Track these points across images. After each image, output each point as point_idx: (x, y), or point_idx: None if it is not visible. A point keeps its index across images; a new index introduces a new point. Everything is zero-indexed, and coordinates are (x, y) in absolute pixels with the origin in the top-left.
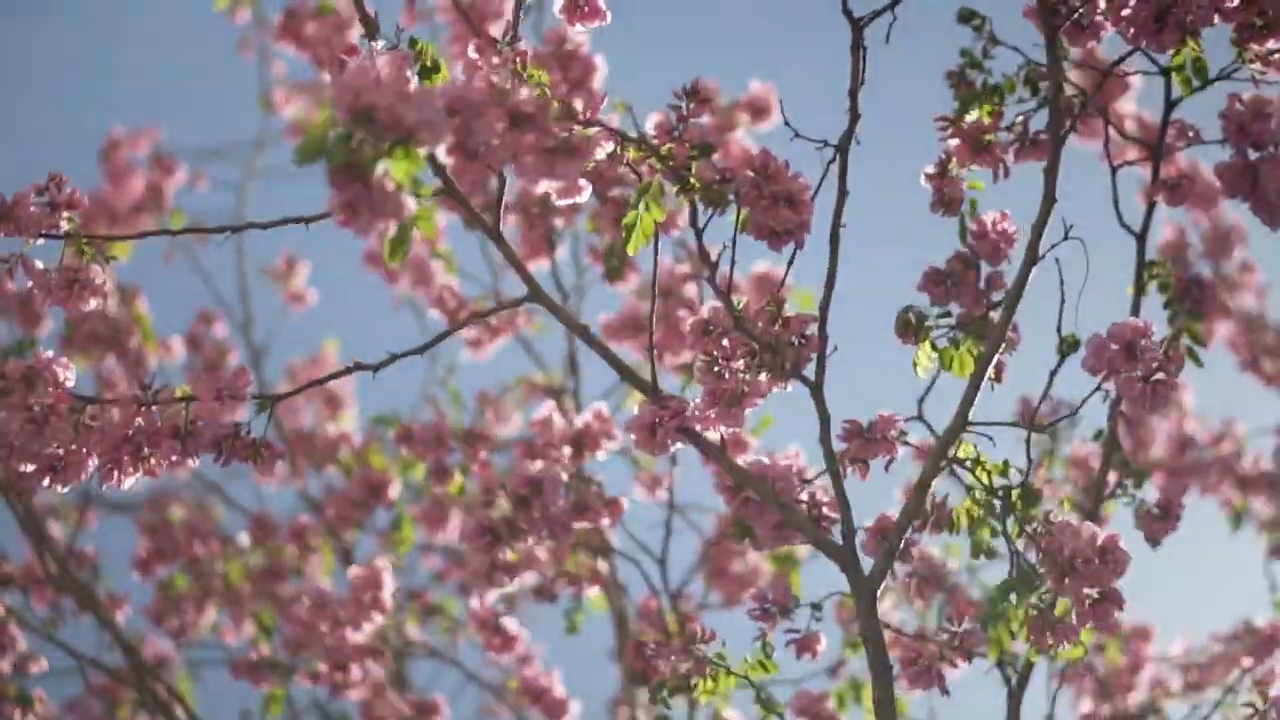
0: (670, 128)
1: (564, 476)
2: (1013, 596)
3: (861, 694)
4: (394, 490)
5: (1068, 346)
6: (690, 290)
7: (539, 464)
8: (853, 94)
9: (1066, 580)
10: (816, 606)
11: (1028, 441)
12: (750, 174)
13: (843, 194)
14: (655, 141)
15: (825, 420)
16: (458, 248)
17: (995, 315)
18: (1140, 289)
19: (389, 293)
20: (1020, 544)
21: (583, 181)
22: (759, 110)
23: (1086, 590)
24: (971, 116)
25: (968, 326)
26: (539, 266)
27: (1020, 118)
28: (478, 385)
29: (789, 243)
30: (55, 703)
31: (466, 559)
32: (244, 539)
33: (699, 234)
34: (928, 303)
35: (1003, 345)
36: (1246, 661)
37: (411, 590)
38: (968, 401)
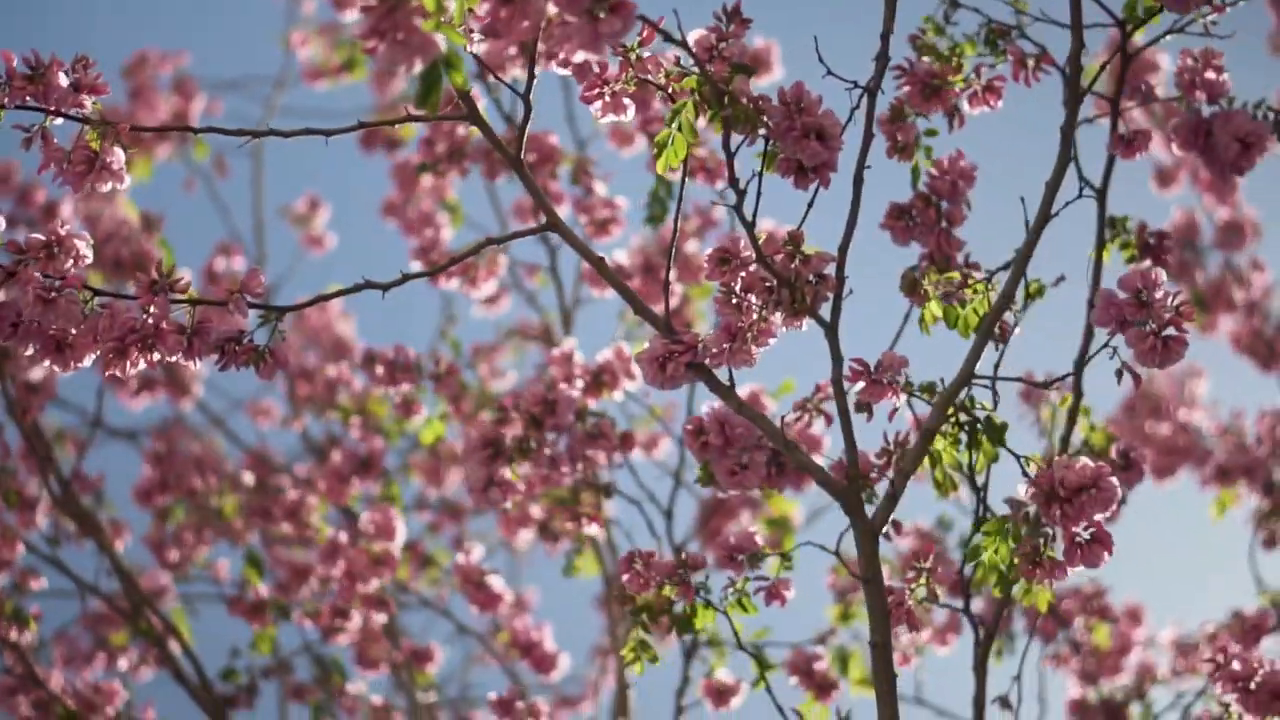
0: (710, 46)
1: (575, 399)
2: (1001, 535)
3: (850, 664)
4: (384, 458)
5: (1031, 293)
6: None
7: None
8: (884, 37)
9: (1056, 511)
10: (785, 556)
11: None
12: (783, 104)
13: (869, 136)
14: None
15: (838, 361)
16: (465, 200)
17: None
18: (1101, 246)
19: (405, 244)
20: (980, 480)
21: (626, 100)
22: (760, 65)
23: (1076, 530)
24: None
25: (938, 265)
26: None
27: (977, 67)
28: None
29: (815, 181)
30: (51, 623)
31: (462, 505)
32: (245, 476)
33: (730, 158)
34: (890, 239)
35: (1010, 303)
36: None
37: (407, 543)
38: (974, 354)
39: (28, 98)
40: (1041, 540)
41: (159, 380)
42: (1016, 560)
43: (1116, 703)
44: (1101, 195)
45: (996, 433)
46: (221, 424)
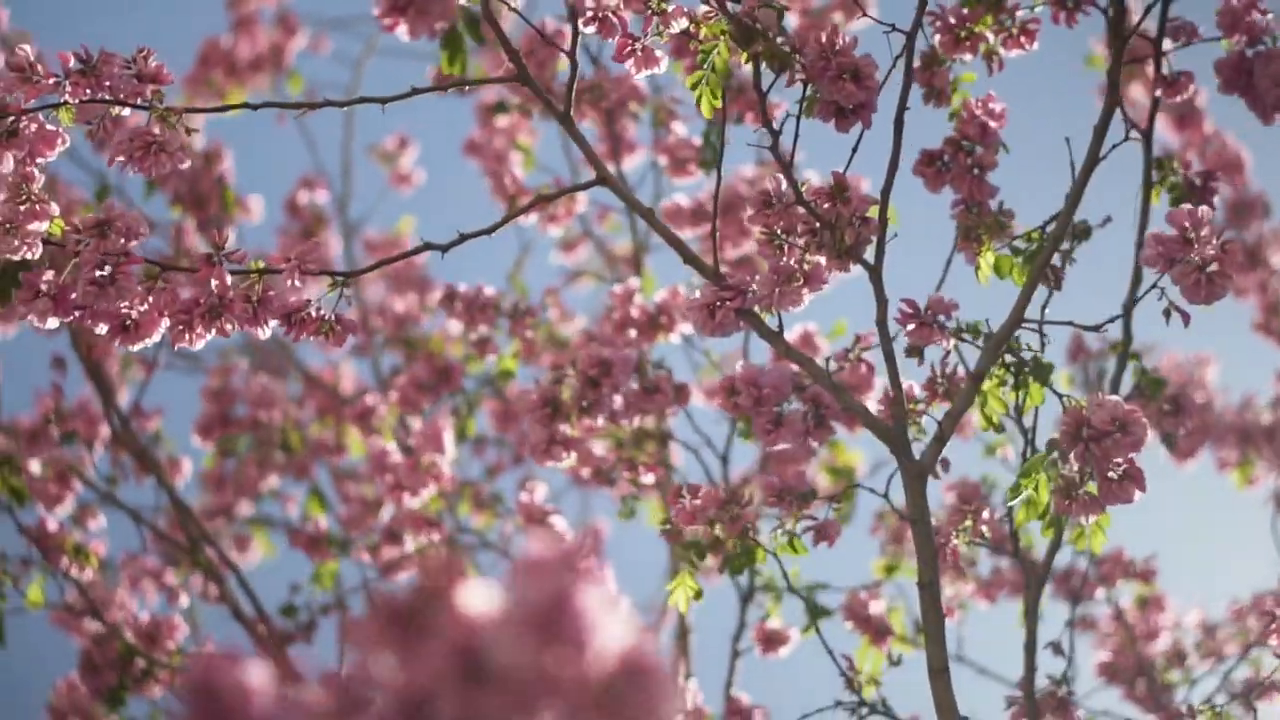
0: None
1: (633, 358)
2: (1039, 471)
3: (892, 617)
4: (462, 375)
5: (1078, 234)
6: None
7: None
8: None
9: (1085, 450)
10: (835, 498)
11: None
12: (817, 46)
13: (909, 79)
14: None
15: (883, 304)
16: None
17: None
18: (1149, 187)
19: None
20: (1028, 419)
21: (659, 52)
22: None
23: (1108, 468)
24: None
25: (974, 217)
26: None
27: (1013, 7)
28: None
29: (855, 123)
30: (111, 558)
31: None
32: (308, 409)
33: (762, 97)
34: (924, 186)
35: (1059, 245)
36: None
37: (467, 481)
38: (1024, 298)
39: (88, 91)
40: (1077, 477)
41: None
42: (1052, 497)
43: (1153, 668)
44: (1147, 137)
45: (1043, 373)
46: (289, 351)
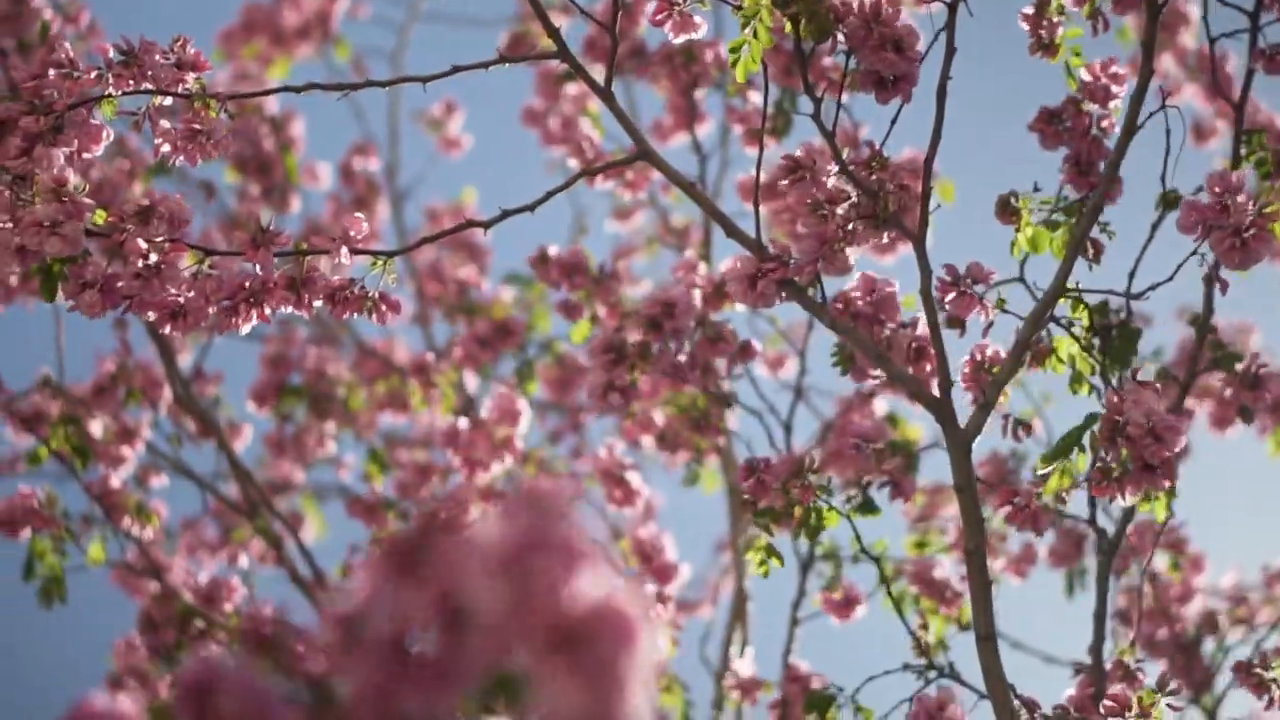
0: None
1: (696, 301)
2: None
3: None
4: (524, 333)
5: (1168, 202)
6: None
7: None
8: None
9: (1116, 443)
10: (911, 456)
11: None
12: (860, 15)
13: (951, 50)
14: None
15: (926, 274)
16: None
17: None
18: (1237, 160)
19: (542, 154)
20: (1115, 380)
21: (698, 18)
22: None
23: (1143, 461)
24: None
25: (1068, 207)
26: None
27: None
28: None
29: (896, 94)
30: (172, 521)
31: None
32: (363, 375)
33: (803, 62)
34: (1038, 143)
35: (1098, 216)
36: None
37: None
38: (1067, 266)
39: (131, 83)
40: (1112, 461)
41: None
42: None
43: (1188, 638)
44: (1239, 109)
45: (1130, 339)
46: (344, 322)
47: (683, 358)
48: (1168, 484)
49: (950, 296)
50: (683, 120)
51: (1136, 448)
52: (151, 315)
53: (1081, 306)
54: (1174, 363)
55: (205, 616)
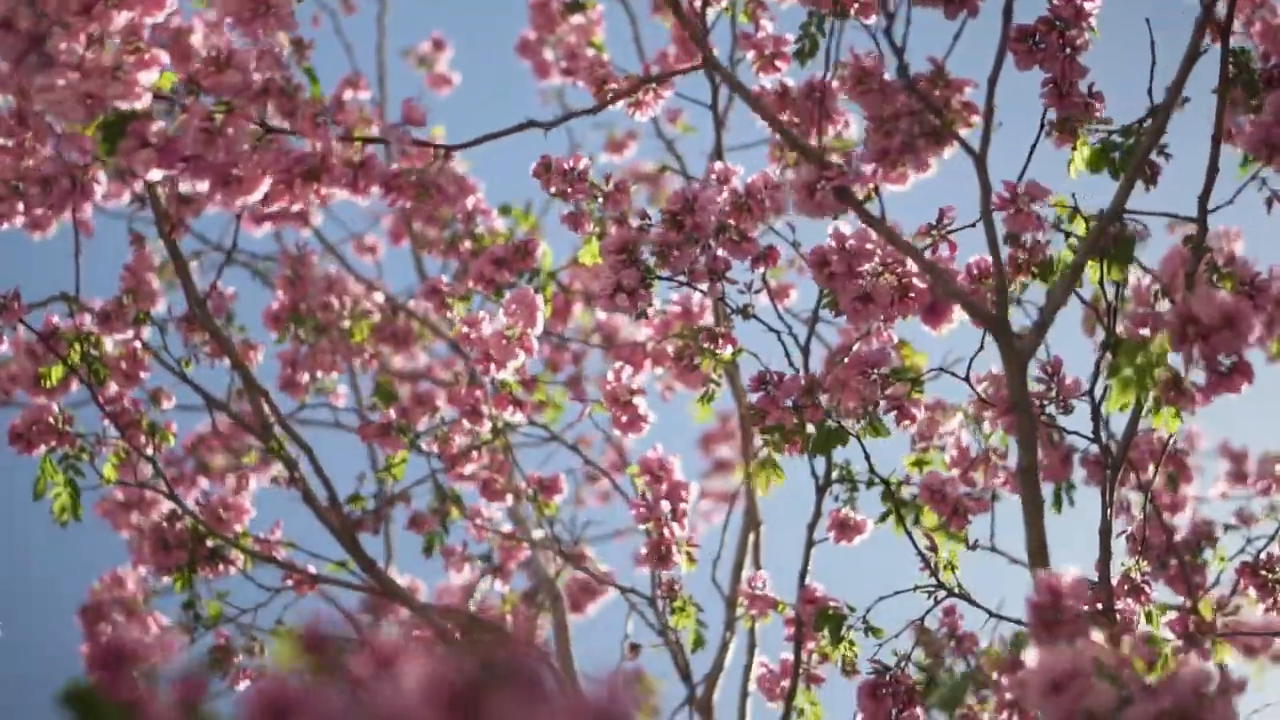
0: None
1: (718, 199)
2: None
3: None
4: (540, 252)
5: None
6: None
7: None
8: None
9: (1189, 343)
10: (916, 381)
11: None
12: None
13: None
14: None
15: (987, 191)
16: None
17: None
18: (1225, 81)
19: (535, 85)
20: (1113, 294)
21: None
22: None
23: (1215, 361)
24: None
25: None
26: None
27: None
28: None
29: (961, 8)
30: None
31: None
32: (375, 297)
33: None
34: (1015, 63)
35: (1158, 139)
36: None
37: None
38: (1124, 190)
39: None
40: (1183, 368)
41: (283, 212)
42: (1157, 387)
43: (1182, 544)
44: (1224, 33)
45: (1126, 248)
46: (340, 256)
47: (701, 262)
48: (1247, 383)
49: (1009, 213)
50: (690, 50)
51: (1211, 343)
52: (206, 180)
53: (1079, 217)
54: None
55: (217, 536)
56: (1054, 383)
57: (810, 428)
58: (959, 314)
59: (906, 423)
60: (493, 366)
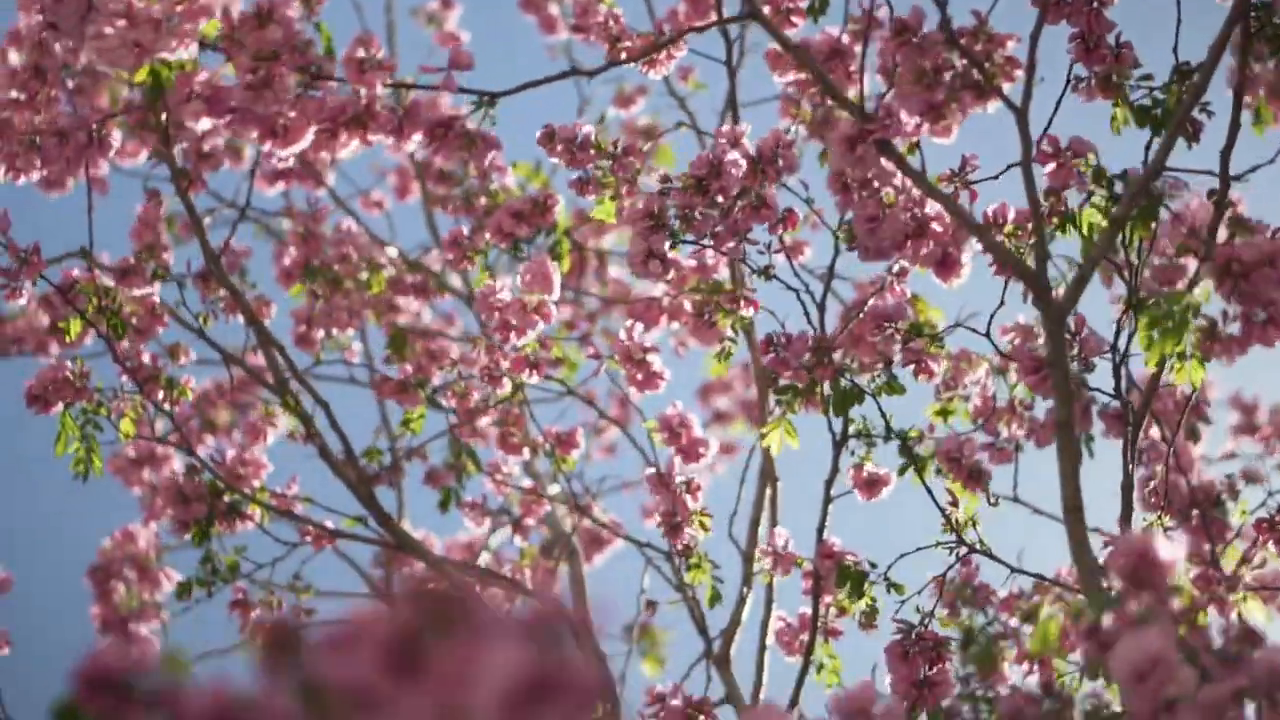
0: None
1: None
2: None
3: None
4: (559, 209)
5: None
6: None
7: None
8: None
9: (1231, 287)
10: (935, 337)
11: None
12: None
13: None
14: None
15: (1027, 146)
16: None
17: None
18: (1247, 35)
19: (542, 41)
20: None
21: None
22: None
23: (1254, 309)
24: None
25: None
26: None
27: None
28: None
29: None
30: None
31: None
32: (389, 251)
33: None
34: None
35: (1200, 97)
36: None
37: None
38: (1165, 148)
39: None
40: (1220, 318)
41: (295, 170)
42: (1193, 337)
43: (1205, 496)
44: None
45: (1152, 207)
46: (350, 211)
47: (723, 225)
48: None
49: (1050, 167)
50: (701, 7)
51: (1252, 281)
52: (253, 130)
53: (1104, 176)
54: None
55: (235, 491)
56: (1077, 340)
57: (825, 387)
58: (969, 267)
59: (925, 377)
60: (512, 335)
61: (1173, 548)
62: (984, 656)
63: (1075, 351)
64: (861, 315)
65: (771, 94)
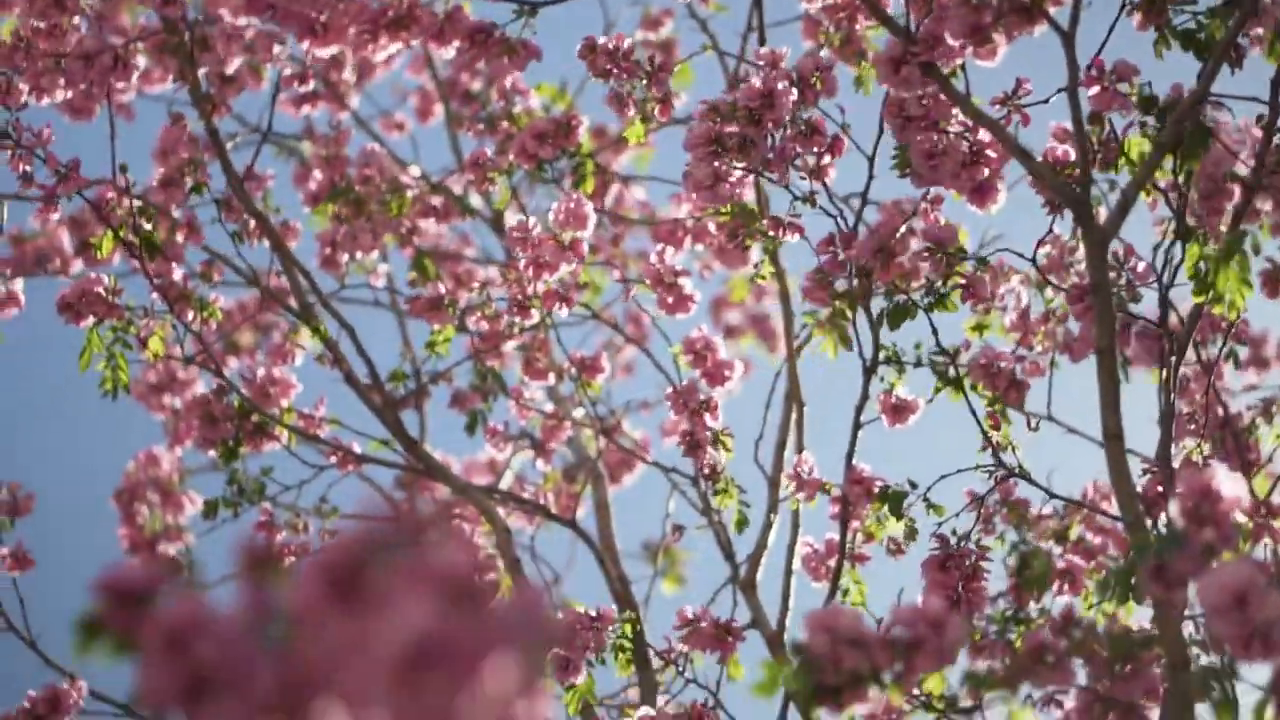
0: None
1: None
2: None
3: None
4: (583, 131)
5: None
6: None
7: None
8: None
9: None
10: (982, 260)
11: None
12: None
13: None
14: None
15: (1074, 70)
16: None
17: None
18: None
19: None
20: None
21: None
22: None
23: None
24: None
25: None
26: None
27: None
28: None
29: None
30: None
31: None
32: (412, 171)
33: None
34: None
35: (1245, 24)
36: None
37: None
38: (1211, 73)
39: None
40: None
41: (318, 93)
42: (1244, 276)
43: (1241, 425)
44: None
45: (1201, 138)
46: (373, 133)
47: (772, 153)
48: None
49: (1094, 91)
50: None
51: None
52: (293, 28)
53: (1149, 101)
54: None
55: (262, 412)
56: (1124, 269)
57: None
58: (1003, 193)
59: (973, 301)
60: (545, 272)
61: (1235, 483)
62: (1039, 579)
63: (1122, 280)
64: (902, 237)
65: (794, 15)
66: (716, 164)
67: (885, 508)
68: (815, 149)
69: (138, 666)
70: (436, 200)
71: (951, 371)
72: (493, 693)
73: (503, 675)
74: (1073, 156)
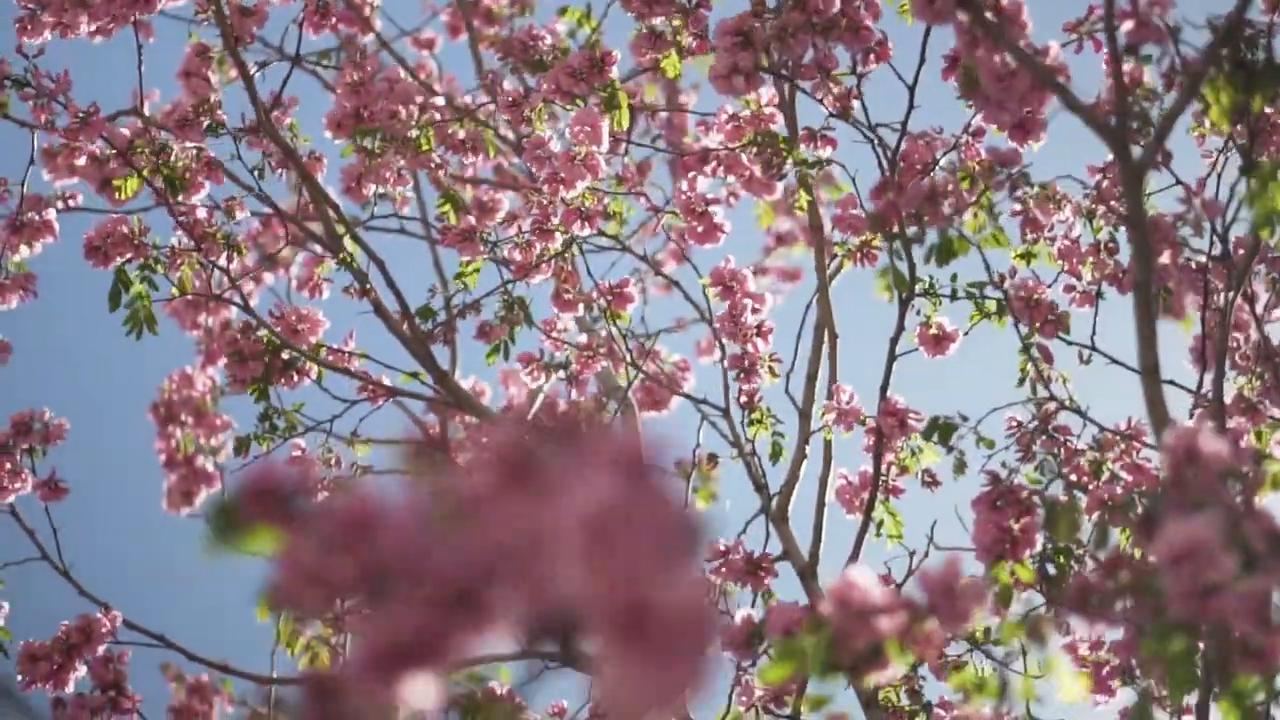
0: None
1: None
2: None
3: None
4: (616, 65)
5: None
6: None
7: None
8: None
9: None
10: (1043, 186)
11: None
12: None
13: None
14: None
15: (1110, 13)
16: None
17: None
18: None
19: None
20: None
21: None
22: None
23: None
24: None
25: None
26: None
27: None
28: None
29: None
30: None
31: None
32: (439, 99)
33: None
34: None
35: None
36: None
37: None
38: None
39: None
40: None
41: (341, 14)
42: None
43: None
44: None
45: (1275, 73)
46: (397, 56)
47: (809, 57)
48: None
49: (1129, 25)
50: None
51: None
52: None
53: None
54: None
55: (292, 347)
56: (1191, 206)
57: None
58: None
59: (1031, 229)
60: (561, 188)
61: (1217, 442)
62: (1068, 527)
63: (1190, 214)
64: (958, 165)
65: None
66: (740, 57)
67: (920, 439)
68: (864, 44)
69: (280, 561)
70: (463, 134)
71: (997, 300)
72: (672, 561)
73: (681, 543)
74: (1145, 79)
